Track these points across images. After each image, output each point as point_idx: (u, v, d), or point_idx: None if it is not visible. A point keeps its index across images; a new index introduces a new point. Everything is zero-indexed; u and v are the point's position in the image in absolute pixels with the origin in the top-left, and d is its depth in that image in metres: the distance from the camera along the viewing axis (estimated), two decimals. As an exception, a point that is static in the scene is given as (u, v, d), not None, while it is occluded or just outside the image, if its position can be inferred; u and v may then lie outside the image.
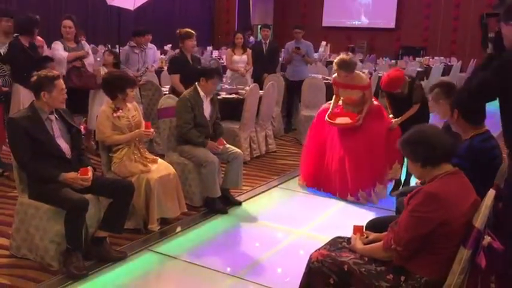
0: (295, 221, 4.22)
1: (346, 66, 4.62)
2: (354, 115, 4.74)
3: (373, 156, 4.63)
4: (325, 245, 2.51)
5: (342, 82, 4.75)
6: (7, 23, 5.18)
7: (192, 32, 5.64)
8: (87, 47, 5.71)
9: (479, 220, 2.01)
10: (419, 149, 2.21)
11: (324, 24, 20.19)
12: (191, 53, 5.71)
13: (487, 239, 2.03)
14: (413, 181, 4.60)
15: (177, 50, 5.91)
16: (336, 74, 4.81)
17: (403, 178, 4.91)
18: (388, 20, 19.09)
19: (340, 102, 4.91)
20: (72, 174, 3.19)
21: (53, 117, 3.29)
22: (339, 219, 4.35)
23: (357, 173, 4.64)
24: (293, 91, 7.63)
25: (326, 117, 4.84)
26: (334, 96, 5.00)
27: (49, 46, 5.69)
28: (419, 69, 12.70)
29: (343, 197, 4.71)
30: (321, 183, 4.93)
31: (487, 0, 17.31)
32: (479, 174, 2.46)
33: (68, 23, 5.46)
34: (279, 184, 5.18)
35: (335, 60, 4.78)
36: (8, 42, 5.12)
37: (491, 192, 2.07)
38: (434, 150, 2.18)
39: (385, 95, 4.88)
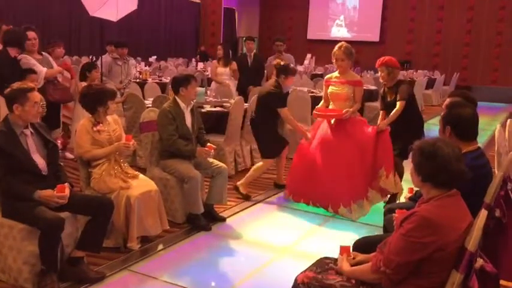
0: (281, 238, 4.12)
1: (350, 53, 4.73)
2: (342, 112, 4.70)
3: (364, 163, 4.56)
4: (311, 266, 2.42)
5: (334, 80, 4.80)
6: None
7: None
8: (51, 59, 5.48)
9: (472, 242, 1.93)
10: (424, 164, 2.12)
11: (308, 37, 20.31)
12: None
13: (480, 262, 1.96)
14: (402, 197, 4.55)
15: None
16: (329, 75, 4.96)
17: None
18: (372, 34, 19.26)
19: (330, 107, 4.88)
20: (48, 192, 3.05)
21: (28, 131, 3.15)
22: (326, 235, 4.26)
23: (350, 182, 4.54)
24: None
25: (314, 111, 4.87)
26: (322, 101, 4.98)
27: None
28: (403, 82, 12.75)
29: (334, 209, 4.58)
30: (310, 196, 4.78)
31: (468, 15, 17.67)
32: (469, 192, 2.39)
33: (33, 34, 5.17)
34: (264, 199, 5.08)
35: (339, 44, 4.82)
36: None
37: (484, 213, 2.00)
38: (439, 173, 2.08)
39: (380, 96, 4.95)
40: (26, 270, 3.03)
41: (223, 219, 4.40)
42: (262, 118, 5.09)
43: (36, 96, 3.12)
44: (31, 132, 3.17)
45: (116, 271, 3.37)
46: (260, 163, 5.22)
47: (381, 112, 4.92)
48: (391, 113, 4.61)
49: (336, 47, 4.79)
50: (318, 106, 4.95)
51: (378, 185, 4.62)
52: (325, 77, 5.05)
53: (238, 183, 5.12)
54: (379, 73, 4.80)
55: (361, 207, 4.55)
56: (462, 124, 2.68)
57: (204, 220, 4.22)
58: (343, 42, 4.85)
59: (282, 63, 5.08)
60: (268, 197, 5.15)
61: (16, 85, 3.12)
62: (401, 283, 2.08)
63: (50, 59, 5.45)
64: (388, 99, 4.78)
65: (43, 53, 5.44)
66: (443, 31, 18.24)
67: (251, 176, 5.17)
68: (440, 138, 2.21)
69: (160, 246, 3.82)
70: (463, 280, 1.95)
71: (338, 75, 4.84)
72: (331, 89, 4.83)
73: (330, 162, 4.65)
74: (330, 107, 4.88)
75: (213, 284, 3.34)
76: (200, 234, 4.10)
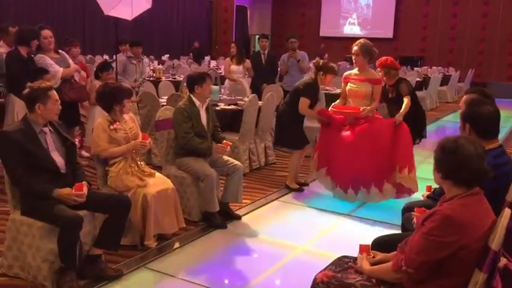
0: (296, 236, 4.11)
1: (366, 50, 4.71)
2: (359, 109, 4.70)
3: (378, 151, 4.60)
4: (330, 265, 2.40)
5: (353, 77, 4.81)
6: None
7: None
8: (67, 57, 5.45)
9: (496, 241, 1.90)
10: (445, 161, 2.07)
11: (321, 34, 20.23)
12: None
13: (503, 261, 1.92)
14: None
15: None
16: (348, 72, 4.99)
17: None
18: (385, 30, 19.12)
19: (348, 105, 4.88)
20: (66, 190, 3.07)
21: (47, 129, 3.18)
22: (342, 233, 4.24)
23: (359, 166, 4.60)
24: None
25: (331, 108, 4.87)
26: (340, 99, 4.97)
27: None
28: (418, 79, 12.64)
29: (366, 187, 4.62)
30: (338, 178, 4.82)
31: (483, 10, 17.44)
32: (491, 190, 2.35)
33: (48, 32, 5.11)
34: (279, 197, 5.07)
35: (358, 41, 4.81)
36: (7, 52, 5.03)
37: (507, 212, 1.97)
38: (460, 170, 2.03)
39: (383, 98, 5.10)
40: (45, 268, 3.05)
41: (239, 217, 4.40)
42: (291, 109, 5.07)
43: (56, 94, 3.17)
44: (50, 130, 3.20)
45: (133, 269, 3.38)
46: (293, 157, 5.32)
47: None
48: (402, 107, 4.76)
49: (355, 43, 4.81)
50: (335, 103, 4.93)
51: (393, 181, 4.63)
52: (345, 74, 5.01)
53: (287, 182, 5.29)
54: (388, 68, 5.05)
55: (391, 194, 4.63)
56: (482, 122, 2.64)
57: (219, 218, 4.23)
58: (362, 39, 4.86)
59: (321, 62, 5.12)
60: (283, 195, 5.13)
61: (36, 85, 3.14)
62: (423, 282, 2.06)
63: (67, 56, 5.44)
64: (390, 96, 5.08)
65: (60, 51, 5.41)
66: (457, 27, 18.03)
67: (292, 170, 5.29)
68: (463, 136, 2.17)
69: (177, 244, 3.83)
70: (486, 280, 1.91)
71: (357, 72, 4.82)
72: (350, 86, 4.81)
73: (346, 146, 4.70)
74: (347, 104, 4.86)
75: (229, 282, 3.34)
76: (216, 232, 4.10)
